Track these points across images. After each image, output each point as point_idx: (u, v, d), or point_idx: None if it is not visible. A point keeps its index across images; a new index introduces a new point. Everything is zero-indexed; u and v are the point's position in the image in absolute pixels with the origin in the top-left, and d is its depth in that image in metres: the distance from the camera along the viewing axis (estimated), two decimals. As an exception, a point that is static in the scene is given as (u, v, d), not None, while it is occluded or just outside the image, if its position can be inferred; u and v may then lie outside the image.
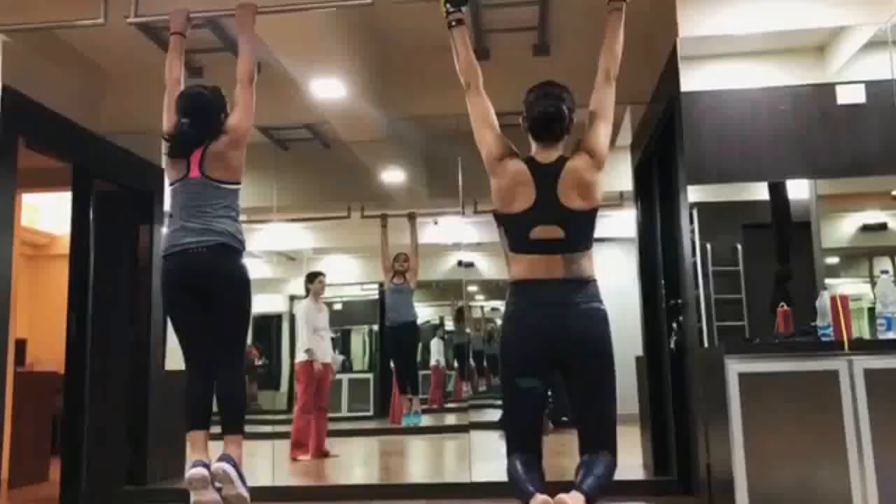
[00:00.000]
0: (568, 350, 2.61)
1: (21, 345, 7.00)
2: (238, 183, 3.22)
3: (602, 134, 2.74)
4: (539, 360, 2.63)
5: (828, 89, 3.85)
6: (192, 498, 2.88)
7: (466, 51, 2.92)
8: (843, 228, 4.56)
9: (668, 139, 4.40)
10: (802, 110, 3.83)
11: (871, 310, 3.62)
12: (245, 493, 2.95)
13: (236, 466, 2.94)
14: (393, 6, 3.60)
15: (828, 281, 4.16)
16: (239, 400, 3.18)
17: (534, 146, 2.77)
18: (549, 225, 2.63)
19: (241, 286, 3.16)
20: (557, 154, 2.71)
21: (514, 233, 2.71)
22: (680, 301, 4.63)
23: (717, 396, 3.43)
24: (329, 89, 4.82)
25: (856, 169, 3.81)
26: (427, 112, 5.33)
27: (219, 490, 2.91)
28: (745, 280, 4.16)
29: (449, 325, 12.45)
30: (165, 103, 3.32)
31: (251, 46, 3.34)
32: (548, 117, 2.71)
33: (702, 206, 4.08)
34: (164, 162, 3.18)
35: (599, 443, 2.62)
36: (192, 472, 2.87)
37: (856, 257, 4.60)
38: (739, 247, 4.20)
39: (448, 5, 3.01)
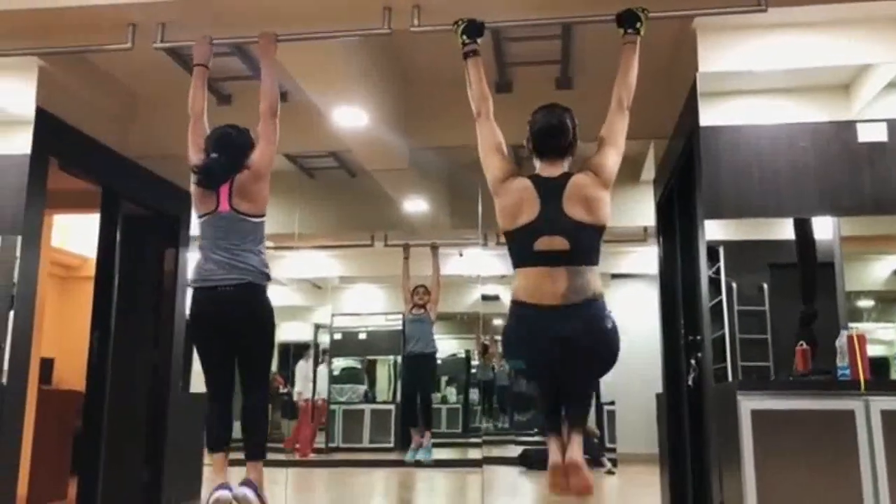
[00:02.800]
0: (573, 353, 2.63)
1: (49, 363, 7.12)
2: (263, 216, 3.33)
3: (609, 155, 2.75)
4: (547, 364, 2.69)
5: (849, 127, 3.81)
6: None
7: (479, 80, 2.97)
8: (875, 271, 4.49)
9: (689, 174, 4.39)
10: (823, 147, 3.79)
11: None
12: None
13: (257, 491, 3.10)
14: (414, 36, 3.65)
15: (858, 325, 4.08)
16: (261, 428, 3.34)
17: (538, 164, 2.79)
18: (553, 235, 2.62)
19: (266, 324, 3.31)
20: (562, 170, 2.73)
21: (519, 246, 2.70)
22: (699, 338, 4.57)
23: (731, 434, 3.37)
24: (351, 118, 4.90)
25: (877, 207, 3.74)
26: (450, 142, 5.37)
27: None
28: (771, 319, 4.11)
29: (476, 358, 12.40)
30: (189, 137, 3.41)
31: (272, 77, 3.40)
32: (550, 130, 2.76)
33: (729, 245, 4.05)
34: (193, 193, 3.28)
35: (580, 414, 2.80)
36: (216, 494, 3.01)
37: (889, 301, 4.52)
38: (766, 286, 4.16)
39: (464, 36, 3.08)
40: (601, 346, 2.64)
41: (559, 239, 2.60)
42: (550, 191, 2.66)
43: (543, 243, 2.62)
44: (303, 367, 9.92)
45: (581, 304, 2.57)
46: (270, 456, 9.25)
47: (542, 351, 2.61)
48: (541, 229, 2.63)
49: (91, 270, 5.37)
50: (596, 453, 8.75)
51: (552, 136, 2.75)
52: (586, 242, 2.63)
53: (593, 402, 9.97)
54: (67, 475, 6.05)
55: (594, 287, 2.61)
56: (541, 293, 2.60)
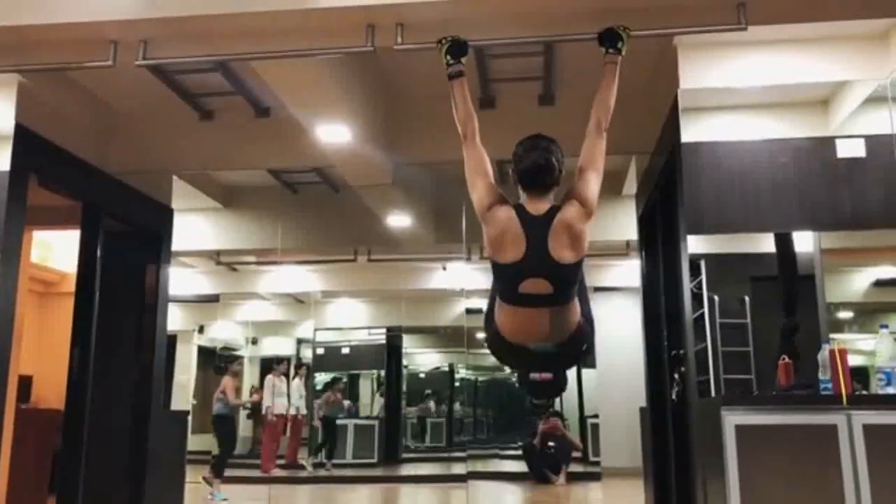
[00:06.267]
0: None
1: (27, 381, 7.02)
2: None
3: (591, 183, 2.74)
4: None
5: (828, 143, 3.86)
6: None
7: (465, 102, 2.94)
8: (855, 283, 4.52)
9: (671, 189, 4.42)
10: (803, 163, 3.83)
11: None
12: None
13: None
14: (397, 53, 3.65)
15: (838, 336, 4.11)
16: None
17: (523, 196, 2.77)
18: (537, 279, 2.62)
19: None
20: (548, 205, 2.71)
21: (504, 283, 2.70)
22: (682, 352, 4.59)
23: (715, 449, 3.38)
24: (334, 134, 4.89)
25: (857, 222, 3.79)
26: (433, 158, 5.38)
27: None
28: (753, 332, 4.12)
29: (461, 371, 12.40)
30: None
31: None
32: (537, 169, 2.73)
33: (710, 258, 4.06)
34: None
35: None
36: None
37: (869, 312, 4.56)
38: (747, 299, 4.18)
39: (448, 57, 3.06)
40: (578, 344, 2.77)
41: (543, 282, 2.62)
42: (536, 229, 2.66)
43: (528, 286, 2.63)
44: (270, 381, 9.89)
45: (564, 342, 2.69)
46: (251, 473, 9.26)
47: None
48: (526, 271, 2.64)
49: (70, 286, 5.32)
50: (565, 462, 8.70)
51: (537, 176, 2.74)
52: (569, 281, 2.68)
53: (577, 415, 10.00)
54: (46, 495, 5.96)
55: (573, 321, 2.69)
56: (524, 333, 2.68)
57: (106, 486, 5.20)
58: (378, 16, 3.52)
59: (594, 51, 3.17)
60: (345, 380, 11.34)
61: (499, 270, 2.71)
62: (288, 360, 10.62)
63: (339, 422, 10.72)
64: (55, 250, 7.40)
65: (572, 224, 2.65)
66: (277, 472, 9.57)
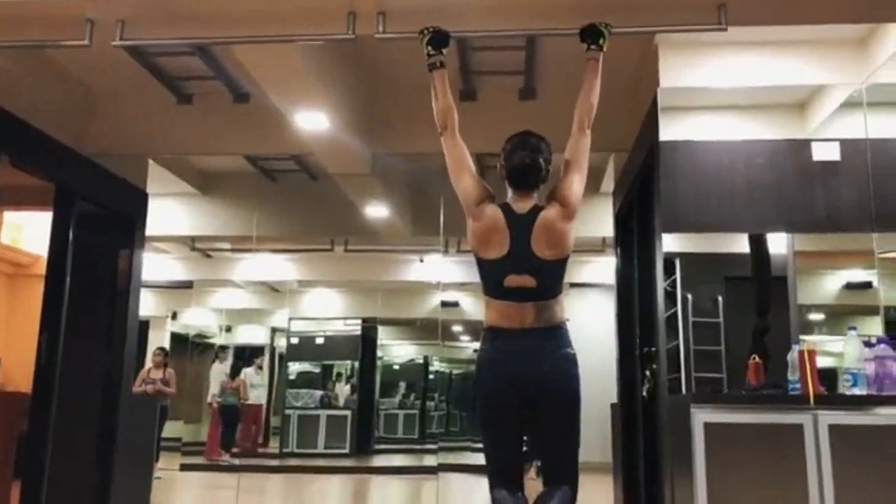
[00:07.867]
0: (538, 390, 2.69)
1: (-7, 364, 6.92)
2: None
3: (575, 183, 2.81)
4: (512, 400, 2.72)
5: (804, 145, 3.89)
6: None
7: (445, 94, 2.94)
8: (827, 285, 4.58)
9: (648, 188, 4.44)
10: (778, 165, 3.86)
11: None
12: None
13: None
14: (379, 43, 3.63)
15: (809, 337, 4.16)
16: None
17: (510, 192, 2.85)
18: (521, 274, 2.71)
19: None
20: (532, 203, 2.79)
21: (490, 279, 2.78)
22: (653, 349, 4.62)
23: (684, 446, 3.41)
24: (313, 121, 4.85)
25: (830, 225, 3.83)
26: (413, 149, 5.37)
27: None
28: (725, 332, 4.16)
29: (435, 364, 12.42)
30: None
31: None
32: (524, 169, 2.80)
33: (685, 257, 4.10)
34: None
35: (560, 477, 2.73)
36: None
37: (839, 315, 4.61)
38: (721, 298, 4.21)
39: (430, 47, 3.05)
40: (562, 363, 2.74)
41: (527, 277, 2.70)
42: (520, 227, 2.73)
43: (512, 281, 2.72)
44: (217, 370, 9.92)
45: (547, 328, 2.72)
46: (221, 462, 9.19)
47: (511, 366, 2.69)
48: (510, 267, 2.72)
49: (42, 268, 5.23)
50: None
51: (525, 175, 2.82)
52: (553, 277, 2.75)
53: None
54: (10, 480, 5.88)
55: (559, 317, 2.76)
56: (511, 320, 2.72)
57: (73, 471, 5.13)
58: (360, 3, 3.50)
59: (576, 46, 3.18)
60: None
61: (484, 266, 2.79)
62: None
63: (309, 412, 10.68)
64: (26, 231, 7.29)
65: (553, 224, 2.73)
66: (253, 462, 9.55)
